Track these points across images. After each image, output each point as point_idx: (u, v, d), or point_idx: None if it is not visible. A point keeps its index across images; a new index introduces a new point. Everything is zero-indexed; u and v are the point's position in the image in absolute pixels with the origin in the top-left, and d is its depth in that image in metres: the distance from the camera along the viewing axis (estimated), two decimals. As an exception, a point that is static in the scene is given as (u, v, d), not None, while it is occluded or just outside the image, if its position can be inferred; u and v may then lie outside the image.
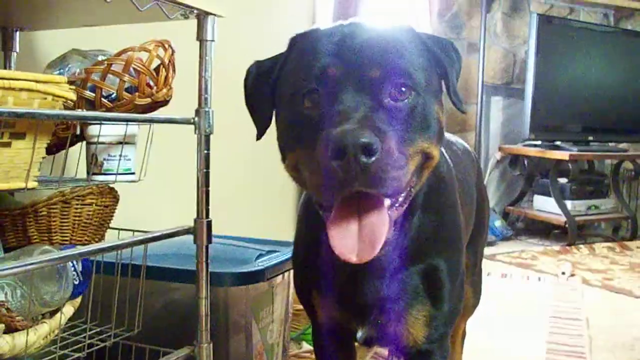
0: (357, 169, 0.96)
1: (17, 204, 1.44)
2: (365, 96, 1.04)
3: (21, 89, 1.13)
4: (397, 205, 1.11)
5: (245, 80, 1.25)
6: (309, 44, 1.13)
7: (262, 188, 2.87)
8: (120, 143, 1.45)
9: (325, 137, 0.98)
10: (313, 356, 2.11)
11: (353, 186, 0.99)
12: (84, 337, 1.43)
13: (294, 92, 1.10)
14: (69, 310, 1.36)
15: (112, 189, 1.53)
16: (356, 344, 1.54)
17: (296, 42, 1.19)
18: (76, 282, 1.36)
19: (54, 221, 1.41)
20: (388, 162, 1.00)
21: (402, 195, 1.11)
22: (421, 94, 1.09)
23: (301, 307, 1.99)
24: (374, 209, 1.07)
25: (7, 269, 1.13)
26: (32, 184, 1.23)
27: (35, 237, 1.41)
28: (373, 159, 0.97)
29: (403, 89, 1.08)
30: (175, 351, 1.49)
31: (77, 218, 1.43)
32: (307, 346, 2.22)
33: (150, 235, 1.41)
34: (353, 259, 1.05)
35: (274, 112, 1.21)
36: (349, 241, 1.06)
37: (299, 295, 1.46)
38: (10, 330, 1.22)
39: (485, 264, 1.87)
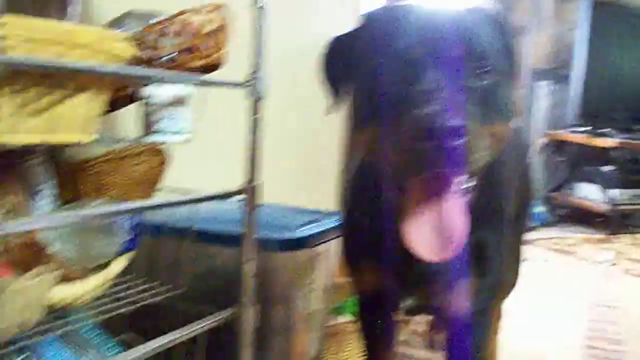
0: (446, 150, 0.97)
1: (71, 159, 1.47)
2: (448, 76, 1.05)
3: (84, 45, 1.15)
4: (470, 186, 1.12)
5: (322, 54, 1.26)
6: (387, 23, 1.14)
7: (307, 157, 2.89)
8: (174, 104, 1.47)
9: (414, 117, 0.99)
10: (351, 327, 2.13)
11: (439, 167, 0.99)
12: (132, 293, 1.45)
13: (374, 70, 1.10)
14: (118, 265, 1.39)
15: (163, 149, 1.55)
16: (398, 315, 1.55)
17: (371, 19, 1.20)
18: (127, 239, 1.38)
19: (106, 179, 1.43)
20: (474, 144, 1.01)
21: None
22: (499, 76, 1.10)
23: (342, 278, 2.01)
24: (453, 203, 1.07)
25: (61, 219, 1.16)
26: (89, 138, 1.25)
27: (87, 193, 1.44)
28: (462, 140, 0.97)
29: (483, 70, 1.09)
30: (219, 312, 1.52)
31: (128, 177, 1.46)
32: (345, 317, 2.23)
33: (200, 196, 1.43)
34: (434, 258, 1.06)
35: (347, 88, 1.22)
36: (429, 241, 1.07)
37: (346, 264, 1.48)
38: (63, 281, 1.26)
39: (526, 249, 1.87)
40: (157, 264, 1.53)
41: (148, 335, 1.38)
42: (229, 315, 1.51)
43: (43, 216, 1.27)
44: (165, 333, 1.39)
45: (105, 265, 1.37)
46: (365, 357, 1.67)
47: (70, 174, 1.42)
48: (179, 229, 1.54)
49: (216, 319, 1.48)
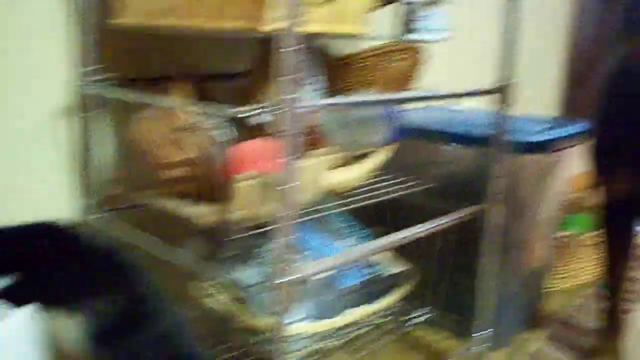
0: None
1: (337, 54, 1.55)
2: None
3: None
4: None
5: None
6: None
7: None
8: (432, 3, 1.50)
9: None
10: (582, 241, 2.11)
11: None
12: (385, 185, 1.53)
13: None
14: (381, 155, 1.47)
15: (421, 47, 1.58)
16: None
17: None
18: (389, 129, 1.45)
19: (368, 74, 1.50)
20: None
21: None
22: None
23: (576, 191, 1.98)
24: None
25: (335, 104, 1.25)
26: (362, 31, 1.32)
27: (350, 87, 1.51)
28: None
29: None
30: (465, 209, 1.56)
31: (388, 73, 1.51)
32: (574, 231, 2.20)
33: (456, 92, 1.46)
34: None
35: None
36: None
37: (597, 171, 1.47)
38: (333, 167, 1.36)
39: None
40: (407, 163, 1.59)
41: (397, 229, 1.44)
42: (475, 211, 1.55)
43: (322, 101, 1.36)
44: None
45: (367, 156, 1.45)
46: (603, 267, 1.66)
47: (336, 68, 1.50)
48: (430, 130, 1.59)
49: (463, 214, 1.53)
